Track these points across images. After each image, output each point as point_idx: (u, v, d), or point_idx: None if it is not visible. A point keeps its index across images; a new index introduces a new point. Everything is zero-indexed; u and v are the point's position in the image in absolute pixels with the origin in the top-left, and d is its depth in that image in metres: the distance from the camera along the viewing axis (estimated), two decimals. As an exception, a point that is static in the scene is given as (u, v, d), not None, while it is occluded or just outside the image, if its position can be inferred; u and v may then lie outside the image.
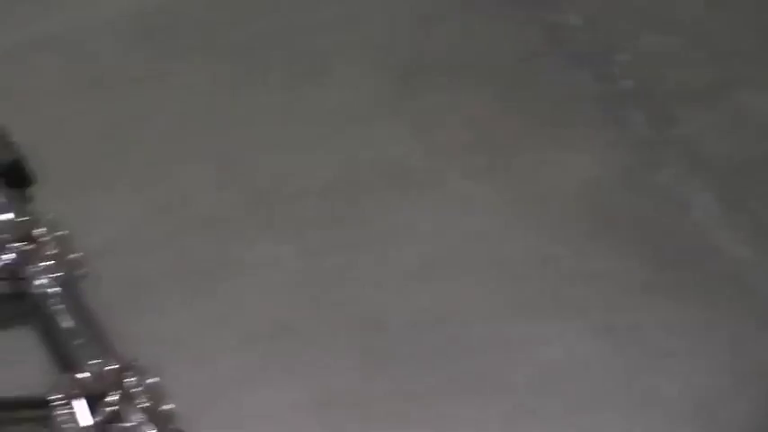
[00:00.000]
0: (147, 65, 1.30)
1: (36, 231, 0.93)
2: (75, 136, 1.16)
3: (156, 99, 1.26)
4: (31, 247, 0.91)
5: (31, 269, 0.90)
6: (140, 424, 0.79)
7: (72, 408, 0.76)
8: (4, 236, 0.90)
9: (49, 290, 0.90)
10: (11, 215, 0.93)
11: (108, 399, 0.79)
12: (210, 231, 1.11)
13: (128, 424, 0.78)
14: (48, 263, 0.91)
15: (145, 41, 1.33)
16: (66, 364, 0.86)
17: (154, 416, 0.80)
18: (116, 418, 0.78)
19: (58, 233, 0.94)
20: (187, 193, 1.16)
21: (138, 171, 1.17)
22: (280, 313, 1.04)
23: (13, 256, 0.90)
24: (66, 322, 0.87)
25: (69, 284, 0.90)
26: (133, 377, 0.82)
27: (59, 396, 0.76)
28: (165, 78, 1.29)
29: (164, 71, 1.30)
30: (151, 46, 1.34)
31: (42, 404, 0.75)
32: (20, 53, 1.27)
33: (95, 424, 0.76)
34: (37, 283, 0.90)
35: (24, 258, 0.90)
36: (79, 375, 0.80)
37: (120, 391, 0.80)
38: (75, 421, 0.75)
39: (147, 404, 0.80)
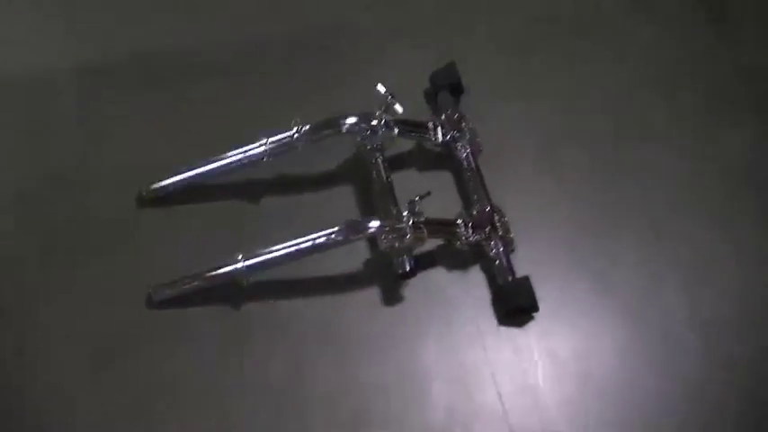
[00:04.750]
0: None
1: (462, 122, 1.69)
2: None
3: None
4: (457, 130, 1.68)
5: (455, 143, 1.68)
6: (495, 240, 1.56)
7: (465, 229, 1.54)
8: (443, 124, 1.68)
9: (463, 156, 1.67)
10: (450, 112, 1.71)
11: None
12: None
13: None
14: (464, 141, 1.67)
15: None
16: (465, 201, 1.65)
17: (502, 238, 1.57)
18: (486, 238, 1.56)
19: (470, 124, 1.70)
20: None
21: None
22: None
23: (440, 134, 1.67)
24: (469, 174, 1.65)
25: (474, 156, 1.67)
26: (498, 215, 1.59)
27: (460, 222, 1.55)
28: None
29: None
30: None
31: (451, 224, 1.54)
32: None
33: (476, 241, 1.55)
34: (460, 151, 1.67)
35: (453, 137, 1.67)
36: (473, 211, 1.59)
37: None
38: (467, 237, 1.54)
39: (500, 232, 1.57)
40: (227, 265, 1.48)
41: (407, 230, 1.46)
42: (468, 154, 1.66)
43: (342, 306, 1.55)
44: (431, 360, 1.51)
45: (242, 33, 1.86)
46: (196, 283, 1.51)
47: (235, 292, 1.52)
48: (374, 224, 1.48)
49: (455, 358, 1.52)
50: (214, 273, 1.49)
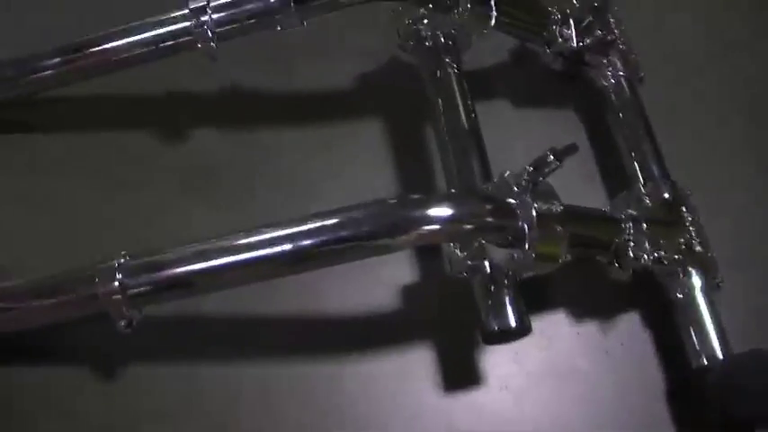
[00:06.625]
0: None
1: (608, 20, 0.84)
2: None
3: None
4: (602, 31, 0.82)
5: (597, 57, 0.83)
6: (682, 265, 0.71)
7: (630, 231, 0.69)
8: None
9: (611, 85, 0.82)
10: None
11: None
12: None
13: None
14: (615, 55, 0.83)
15: None
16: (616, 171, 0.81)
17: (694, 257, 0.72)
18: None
19: (623, 29, 0.85)
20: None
21: None
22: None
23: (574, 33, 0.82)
24: (623, 127, 0.80)
25: (631, 87, 0.82)
26: (688, 211, 0.74)
27: (622, 217, 0.69)
28: None
29: None
30: None
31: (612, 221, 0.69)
32: None
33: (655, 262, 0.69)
34: (605, 74, 0.82)
35: (590, 46, 0.82)
36: (644, 198, 0.73)
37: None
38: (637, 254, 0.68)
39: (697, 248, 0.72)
40: (89, 279, 0.61)
41: (526, 230, 0.61)
42: (620, 80, 0.81)
43: (357, 384, 0.70)
44: None
45: None
46: (25, 312, 0.64)
47: (111, 339, 0.65)
48: (443, 212, 0.61)
49: None
50: (64, 294, 0.62)
